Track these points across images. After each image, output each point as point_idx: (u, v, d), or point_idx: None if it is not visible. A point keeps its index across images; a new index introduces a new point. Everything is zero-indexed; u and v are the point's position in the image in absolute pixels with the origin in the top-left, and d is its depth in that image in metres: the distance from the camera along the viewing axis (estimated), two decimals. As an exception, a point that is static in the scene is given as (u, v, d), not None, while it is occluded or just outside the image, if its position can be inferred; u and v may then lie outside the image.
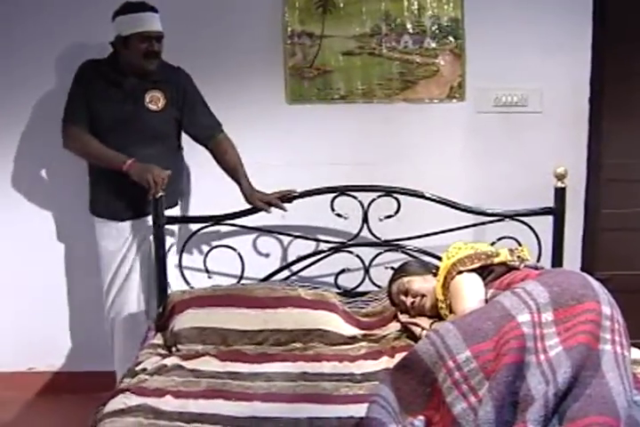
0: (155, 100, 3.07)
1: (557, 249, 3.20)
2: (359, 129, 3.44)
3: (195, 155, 3.30)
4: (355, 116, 3.43)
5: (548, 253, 3.22)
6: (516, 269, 2.56)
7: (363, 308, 3.04)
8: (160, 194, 2.95)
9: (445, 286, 2.59)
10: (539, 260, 3.19)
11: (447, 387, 2.02)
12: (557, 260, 3.20)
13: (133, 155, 2.96)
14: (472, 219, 3.29)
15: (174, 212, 3.21)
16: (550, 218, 3.19)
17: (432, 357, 2.10)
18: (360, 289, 3.28)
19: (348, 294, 3.24)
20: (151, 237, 3.09)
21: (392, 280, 2.83)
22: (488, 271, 2.58)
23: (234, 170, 3.18)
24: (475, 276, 2.56)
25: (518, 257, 2.61)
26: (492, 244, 3.13)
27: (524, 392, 1.92)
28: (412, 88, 3.43)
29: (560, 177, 3.15)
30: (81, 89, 3.03)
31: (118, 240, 3.15)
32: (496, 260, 2.59)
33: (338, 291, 3.23)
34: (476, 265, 2.58)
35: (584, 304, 2.08)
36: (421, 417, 2.02)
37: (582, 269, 3.67)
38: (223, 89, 3.38)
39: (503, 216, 3.22)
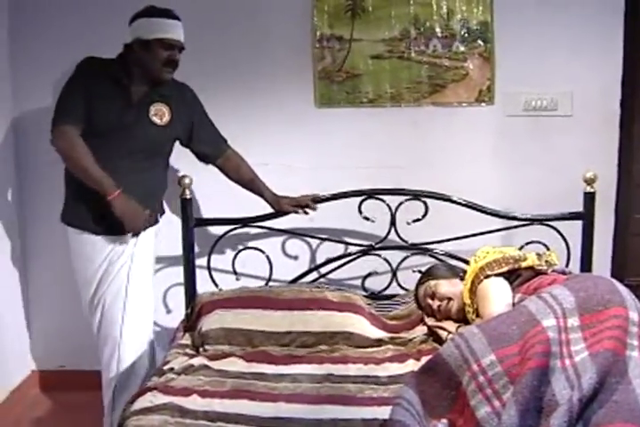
0: (160, 114, 2.87)
1: (586, 254, 3.18)
2: (388, 132, 3.44)
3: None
4: (383, 119, 3.43)
5: (577, 259, 3.20)
6: (544, 273, 2.55)
7: (390, 311, 3.05)
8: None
9: (472, 289, 2.59)
10: (567, 265, 3.17)
11: (471, 391, 2.03)
12: (586, 265, 3.18)
13: (121, 168, 2.75)
14: (500, 223, 3.28)
15: (153, 229, 3.00)
16: (579, 223, 3.17)
17: (457, 360, 2.10)
18: (387, 292, 3.30)
19: (375, 296, 3.25)
20: (145, 251, 2.93)
21: (419, 283, 2.83)
22: (515, 276, 2.58)
23: (252, 182, 3.11)
24: (502, 280, 2.56)
25: (546, 262, 2.61)
26: (521, 248, 3.12)
27: (549, 397, 1.92)
28: (441, 92, 3.43)
29: (589, 181, 3.13)
30: (82, 86, 2.76)
31: (99, 255, 2.86)
32: (523, 264, 2.59)
33: (365, 294, 3.24)
34: (504, 269, 2.57)
35: (611, 310, 2.08)
36: (445, 420, 2.03)
37: (612, 274, 3.63)
38: (253, 92, 3.41)
39: (531, 220, 3.21)
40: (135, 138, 2.81)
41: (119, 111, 2.78)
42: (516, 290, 2.51)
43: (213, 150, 3.06)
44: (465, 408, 2.03)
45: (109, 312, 2.86)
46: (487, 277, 2.56)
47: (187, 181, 3.10)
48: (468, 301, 2.62)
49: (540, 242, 3.19)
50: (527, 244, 3.20)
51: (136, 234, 2.83)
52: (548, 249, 3.13)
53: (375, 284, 3.35)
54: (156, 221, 3.02)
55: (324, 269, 3.36)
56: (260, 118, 3.40)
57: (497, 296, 2.49)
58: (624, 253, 3.69)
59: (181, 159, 3.19)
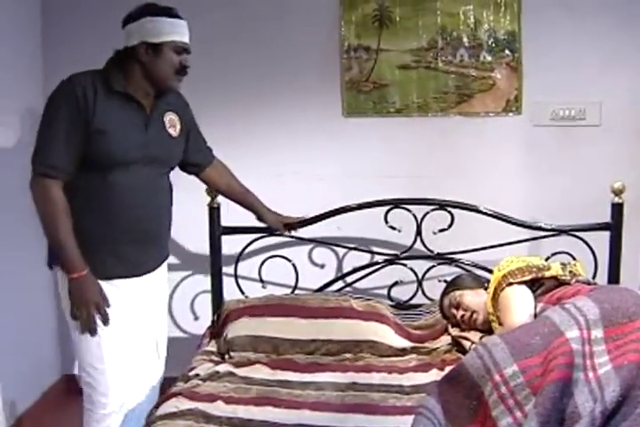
0: (173, 125, 2.53)
1: (614, 265, 3.16)
2: (414, 142, 3.45)
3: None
4: (410, 129, 3.45)
5: (604, 270, 3.19)
6: (568, 283, 2.54)
7: (415, 320, 3.06)
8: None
9: (495, 297, 2.59)
10: (594, 276, 3.16)
11: (493, 401, 2.02)
12: (614, 276, 3.16)
13: (139, 190, 2.41)
14: (527, 233, 3.27)
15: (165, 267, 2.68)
16: (607, 234, 3.16)
17: (479, 370, 2.10)
18: (413, 302, 3.30)
19: (401, 306, 3.26)
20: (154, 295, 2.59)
21: (444, 293, 2.84)
22: (538, 285, 2.57)
23: (244, 194, 2.91)
24: (524, 288, 2.55)
25: (570, 272, 2.60)
26: (547, 259, 3.11)
27: (571, 409, 1.90)
28: (468, 102, 3.44)
29: (617, 192, 3.11)
30: (74, 114, 2.27)
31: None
32: (547, 273, 2.58)
33: (391, 303, 3.25)
34: (527, 278, 2.57)
35: (636, 322, 2.06)
36: (467, 430, 2.03)
37: (642, 286, 3.62)
38: (282, 102, 3.45)
39: (558, 231, 3.19)
40: (158, 156, 2.47)
41: (137, 129, 2.40)
42: (539, 299, 2.50)
43: (204, 159, 2.80)
44: (487, 419, 2.02)
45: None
46: (510, 284, 2.56)
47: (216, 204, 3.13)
48: (491, 309, 2.62)
49: (566, 253, 3.18)
50: (554, 254, 3.19)
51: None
52: (575, 260, 3.11)
53: (401, 293, 3.35)
54: (167, 255, 2.69)
55: (349, 278, 3.38)
56: (289, 128, 3.44)
57: (519, 305, 2.48)
58: (653, 265, 3.66)
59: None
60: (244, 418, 2.18)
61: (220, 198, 3.11)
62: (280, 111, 3.46)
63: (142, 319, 2.52)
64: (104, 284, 2.38)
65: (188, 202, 3.21)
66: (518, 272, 2.59)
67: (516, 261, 2.67)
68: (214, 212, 3.14)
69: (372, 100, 3.46)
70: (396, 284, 3.35)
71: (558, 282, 2.57)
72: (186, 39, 2.42)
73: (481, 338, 2.61)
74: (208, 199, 3.13)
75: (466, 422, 2.07)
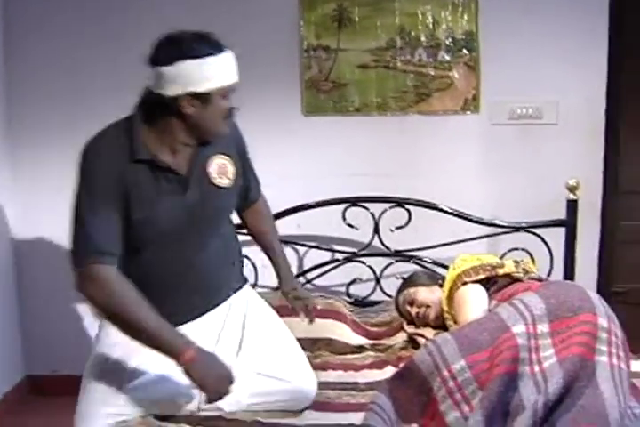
0: (223, 172, 2.14)
1: (569, 261, 3.21)
2: (374, 141, 3.48)
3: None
4: (369, 128, 3.47)
5: (560, 266, 3.23)
6: (520, 280, 2.58)
7: (373, 318, 3.08)
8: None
9: (450, 296, 2.63)
10: (550, 272, 3.21)
11: (442, 396, 2.06)
12: (569, 272, 3.20)
13: (193, 256, 2.13)
14: (485, 230, 3.32)
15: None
16: (563, 230, 3.20)
17: (429, 366, 2.13)
18: (371, 299, 3.33)
19: (360, 303, 3.29)
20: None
21: (399, 291, 2.87)
22: (492, 282, 2.61)
23: (271, 249, 2.56)
24: (479, 287, 2.59)
25: (523, 269, 2.64)
26: (504, 255, 3.15)
27: (516, 402, 1.95)
28: (427, 101, 3.46)
29: (572, 189, 3.16)
30: (109, 191, 1.94)
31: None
32: (501, 271, 2.62)
33: (349, 300, 3.28)
34: (481, 276, 2.61)
35: (580, 316, 2.11)
36: (415, 425, 2.06)
37: (599, 282, 3.67)
38: (240, 101, 3.43)
39: (514, 228, 3.24)
40: (204, 216, 2.12)
41: (175, 197, 2.05)
42: (492, 297, 2.54)
43: (247, 200, 2.42)
44: (436, 414, 2.06)
45: None
46: (464, 284, 2.60)
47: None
48: (446, 307, 2.65)
49: (523, 249, 3.22)
50: (510, 251, 3.24)
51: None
52: (532, 256, 3.16)
53: (360, 290, 3.39)
54: (245, 281, 2.46)
55: (309, 275, 3.39)
56: (248, 127, 3.41)
57: (473, 303, 2.52)
58: (611, 261, 3.71)
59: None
60: (200, 416, 2.18)
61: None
62: (240, 110, 3.45)
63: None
64: None
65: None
66: (472, 271, 2.63)
67: (471, 259, 2.71)
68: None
69: (332, 100, 3.47)
70: (354, 281, 3.38)
71: (511, 279, 2.61)
72: (235, 77, 2.05)
73: (435, 335, 2.64)
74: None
75: (416, 417, 2.10)
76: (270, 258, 2.57)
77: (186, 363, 1.90)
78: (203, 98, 1.96)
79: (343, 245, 3.39)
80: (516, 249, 3.23)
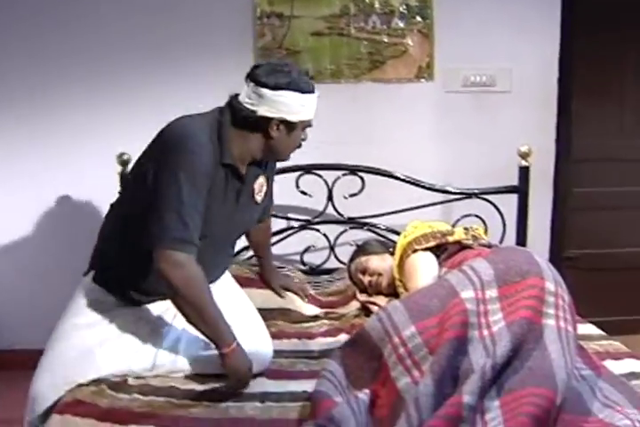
0: (261, 190, 2.35)
1: (522, 227, 3.25)
2: (327, 109, 3.36)
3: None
4: (323, 95, 3.33)
5: (514, 232, 3.27)
6: (470, 247, 2.60)
7: (327, 287, 3.09)
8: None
9: (401, 264, 2.64)
10: (503, 238, 3.25)
11: (393, 362, 2.07)
12: (522, 238, 3.24)
13: (214, 259, 2.29)
14: (439, 197, 3.34)
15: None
16: (515, 196, 3.24)
17: (379, 333, 2.14)
18: (326, 266, 3.36)
19: (314, 271, 3.31)
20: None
21: (351, 260, 2.88)
22: (442, 249, 2.63)
23: (268, 243, 2.89)
24: (429, 255, 2.61)
25: (473, 236, 2.66)
26: (457, 222, 3.18)
27: (466, 366, 1.96)
28: (381, 68, 3.45)
29: (524, 156, 3.19)
30: (205, 185, 2.07)
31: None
32: (451, 239, 2.64)
33: (303, 268, 3.30)
34: (431, 244, 2.62)
35: (527, 280, 2.12)
36: (367, 391, 2.06)
37: (552, 248, 3.73)
38: (192, 69, 3.41)
39: (467, 194, 3.27)
40: (241, 225, 2.36)
41: (232, 202, 2.23)
42: (443, 264, 2.56)
43: (269, 212, 2.69)
44: (387, 380, 2.06)
45: None
46: (415, 251, 2.61)
47: (125, 157, 3.10)
48: (397, 275, 2.67)
49: (477, 216, 3.25)
50: (463, 217, 3.26)
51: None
52: (485, 223, 3.19)
53: (314, 258, 3.40)
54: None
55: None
56: (202, 95, 3.37)
57: (423, 271, 2.54)
58: (563, 227, 3.77)
59: (119, 132, 3.20)
60: (154, 386, 2.19)
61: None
62: (193, 78, 3.41)
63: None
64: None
65: (100, 169, 3.22)
66: (423, 239, 2.64)
67: (421, 226, 2.72)
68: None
69: (269, 61, 3.43)
70: (308, 249, 3.39)
71: (462, 246, 2.62)
72: (313, 114, 2.26)
73: (388, 302, 2.65)
74: (119, 168, 3.10)
75: (367, 383, 2.11)
76: (262, 263, 2.85)
77: (228, 353, 2.09)
78: (290, 126, 2.18)
79: (297, 213, 3.39)
80: (469, 216, 3.26)
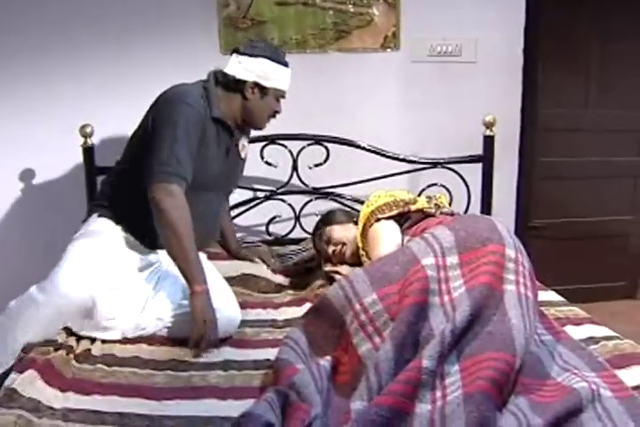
0: (244, 150, 2.67)
1: (486, 196, 3.27)
2: (293, 79, 3.34)
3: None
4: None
5: (478, 201, 3.29)
6: (433, 215, 2.62)
7: (292, 257, 3.10)
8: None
9: (364, 233, 2.65)
10: (468, 207, 3.27)
11: (354, 329, 2.08)
12: (486, 207, 3.27)
13: (207, 212, 2.51)
14: (405, 167, 3.34)
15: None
16: (480, 166, 3.25)
17: (341, 300, 2.15)
18: (291, 236, 3.37)
19: (280, 241, 3.32)
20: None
21: (315, 229, 2.88)
22: (405, 218, 2.64)
23: (229, 214, 3.08)
24: (392, 223, 2.61)
25: (435, 204, 2.66)
26: (422, 191, 3.19)
27: (427, 332, 1.97)
28: (346, 38, 3.43)
29: (488, 125, 3.20)
30: (195, 131, 2.37)
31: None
32: (413, 207, 2.64)
33: (269, 238, 3.31)
34: (394, 213, 2.63)
35: (488, 247, 2.15)
36: (329, 357, 2.07)
37: (518, 217, 3.76)
38: (156, 39, 3.36)
39: (431, 164, 3.28)
40: (230, 180, 2.65)
41: (221, 155, 2.51)
42: (406, 232, 2.57)
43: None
44: (348, 346, 2.08)
45: None
46: (378, 220, 2.61)
47: (88, 129, 3.07)
48: (360, 244, 2.68)
49: (442, 185, 3.27)
50: (428, 186, 3.28)
51: None
52: (450, 192, 3.21)
53: (280, 229, 3.40)
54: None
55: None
56: (166, 66, 3.36)
57: (386, 239, 2.54)
58: (529, 197, 3.80)
59: (82, 105, 3.16)
60: (118, 356, 2.20)
61: (95, 139, 3.07)
62: (156, 49, 3.36)
63: None
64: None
65: (62, 143, 3.19)
66: (385, 208, 2.64)
67: (384, 195, 2.72)
68: (89, 152, 3.09)
69: (250, 38, 3.38)
70: (273, 219, 3.38)
71: (424, 215, 2.63)
72: (287, 88, 2.59)
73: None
74: (82, 140, 3.07)
75: (330, 350, 2.12)
76: (224, 235, 2.93)
77: (198, 292, 2.25)
78: (263, 91, 2.50)
79: (262, 184, 3.37)
80: (435, 185, 3.27)
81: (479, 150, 3.27)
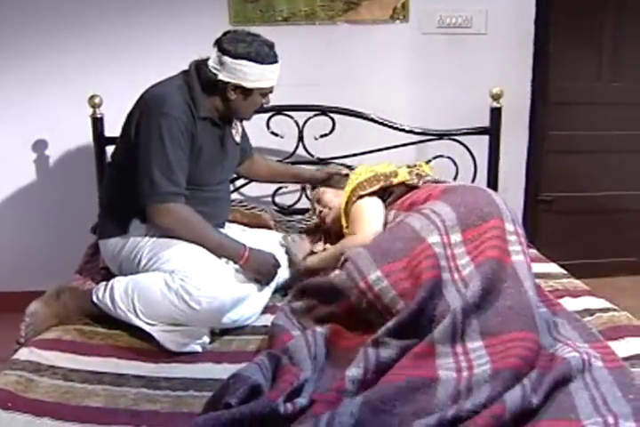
0: (237, 131, 2.61)
1: (492, 169, 3.27)
2: (302, 51, 3.42)
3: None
4: (298, 37, 3.41)
5: (484, 173, 3.30)
6: (417, 187, 2.58)
7: (299, 226, 3.12)
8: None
9: (347, 211, 2.60)
10: (474, 179, 3.27)
11: (363, 308, 2.09)
12: (492, 179, 3.27)
13: (211, 198, 2.48)
14: (412, 139, 3.35)
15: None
16: (487, 138, 3.25)
17: (344, 283, 2.14)
18: (297, 207, 3.40)
19: (286, 211, 3.35)
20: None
21: (313, 188, 2.90)
22: (389, 192, 2.60)
23: (288, 167, 3.06)
24: (374, 199, 2.58)
25: (417, 175, 2.62)
26: (428, 162, 3.18)
27: (443, 308, 1.96)
28: (355, 9, 3.41)
29: (496, 97, 3.20)
30: (184, 141, 2.30)
31: None
32: (395, 180, 2.60)
33: (276, 208, 3.34)
34: (375, 188, 2.58)
35: (489, 222, 2.16)
36: (328, 325, 2.08)
37: (527, 191, 3.76)
38: (167, 11, 3.36)
39: (437, 135, 3.29)
40: (228, 165, 2.57)
41: (216, 145, 2.46)
42: (391, 207, 2.55)
43: (250, 148, 2.83)
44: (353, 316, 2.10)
45: None
46: (360, 197, 2.57)
47: (97, 100, 3.10)
48: (344, 223, 2.62)
49: (449, 157, 3.27)
50: (435, 158, 3.28)
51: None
52: (456, 164, 3.21)
53: (286, 199, 3.43)
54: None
55: (237, 184, 3.34)
56: (176, 37, 3.37)
57: (369, 216, 2.51)
58: (539, 170, 3.79)
59: (90, 76, 3.20)
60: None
61: (104, 109, 3.11)
62: (167, 21, 3.36)
63: None
64: None
65: (72, 114, 3.23)
66: (367, 184, 2.60)
67: (365, 171, 2.69)
68: (98, 122, 3.12)
69: (260, 9, 3.40)
70: (279, 189, 3.40)
71: (408, 187, 2.59)
72: (275, 82, 2.42)
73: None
74: (91, 110, 3.10)
75: (329, 320, 2.13)
76: (294, 173, 2.98)
77: (244, 263, 2.31)
78: (246, 92, 2.36)
79: (268, 154, 3.36)
80: (441, 157, 3.27)
81: (488, 123, 3.27)
